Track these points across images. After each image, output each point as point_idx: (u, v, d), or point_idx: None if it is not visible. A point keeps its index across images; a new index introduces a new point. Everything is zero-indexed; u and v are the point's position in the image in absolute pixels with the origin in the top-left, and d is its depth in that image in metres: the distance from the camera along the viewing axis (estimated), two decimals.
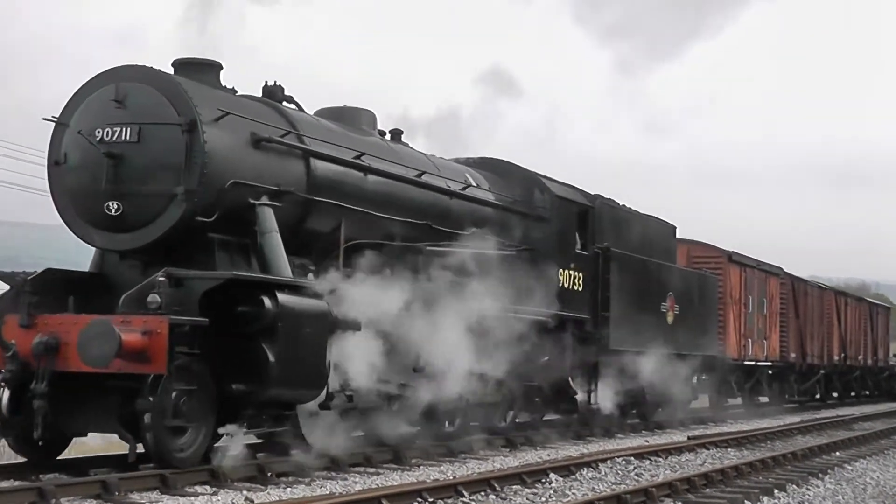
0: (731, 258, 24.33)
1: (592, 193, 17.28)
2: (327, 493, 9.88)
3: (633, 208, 18.70)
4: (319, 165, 11.89)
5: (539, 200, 15.72)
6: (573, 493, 10.21)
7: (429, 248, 12.89)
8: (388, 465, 11.96)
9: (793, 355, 29.02)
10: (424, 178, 13.43)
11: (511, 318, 13.57)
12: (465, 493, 9.72)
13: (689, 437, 16.97)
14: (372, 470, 11.50)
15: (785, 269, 28.60)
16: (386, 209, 12.68)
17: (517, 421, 15.84)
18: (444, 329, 12.50)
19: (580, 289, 16.22)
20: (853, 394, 36.54)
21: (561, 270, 15.67)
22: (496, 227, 14.54)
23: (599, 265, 16.73)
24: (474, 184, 14.57)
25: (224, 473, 10.09)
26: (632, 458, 12.69)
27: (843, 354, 34.45)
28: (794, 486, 11.53)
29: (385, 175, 12.82)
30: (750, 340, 25.35)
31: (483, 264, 13.42)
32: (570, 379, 15.93)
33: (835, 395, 34.68)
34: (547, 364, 15.11)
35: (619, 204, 18.10)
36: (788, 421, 22.23)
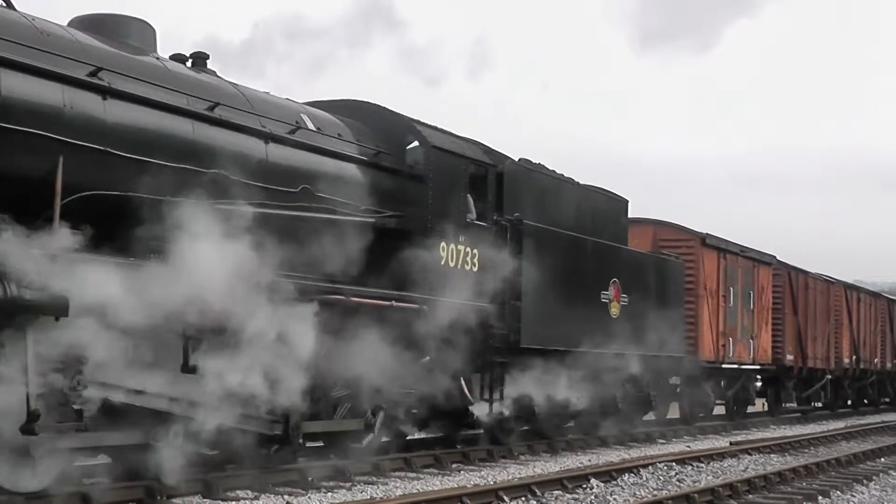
0: (705, 242, 21.03)
1: (517, 158, 14.71)
2: (368, 497, 10.11)
3: (567, 176, 16.00)
4: (10, 79, 8.53)
5: (414, 154, 12.85)
6: (614, 499, 10.36)
7: (219, 206, 9.59)
8: (428, 470, 12.30)
9: (789, 357, 25.74)
10: (220, 112, 10.28)
11: (356, 305, 10.98)
12: (506, 498, 10.00)
13: (731, 443, 17.38)
14: (413, 475, 11.89)
15: (778, 258, 25.42)
16: (147, 150, 9.44)
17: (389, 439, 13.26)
18: (240, 318, 9.51)
19: (475, 269, 13.22)
20: (869, 402, 33.33)
21: (444, 245, 12.69)
22: (346, 184, 11.67)
23: (507, 241, 13.76)
24: (312, 128, 11.61)
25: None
26: (673, 464, 12.86)
27: (854, 357, 30.67)
28: (839, 492, 11.63)
29: (141, 102, 9.51)
30: (731, 340, 21.89)
31: (312, 232, 10.71)
32: (463, 386, 13.03)
33: (849, 402, 31.67)
34: (428, 366, 12.29)
35: (546, 168, 15.35)
36: (789, 434, 21.24)
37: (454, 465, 12.79)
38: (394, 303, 11.50)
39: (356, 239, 11.05)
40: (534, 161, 14.96)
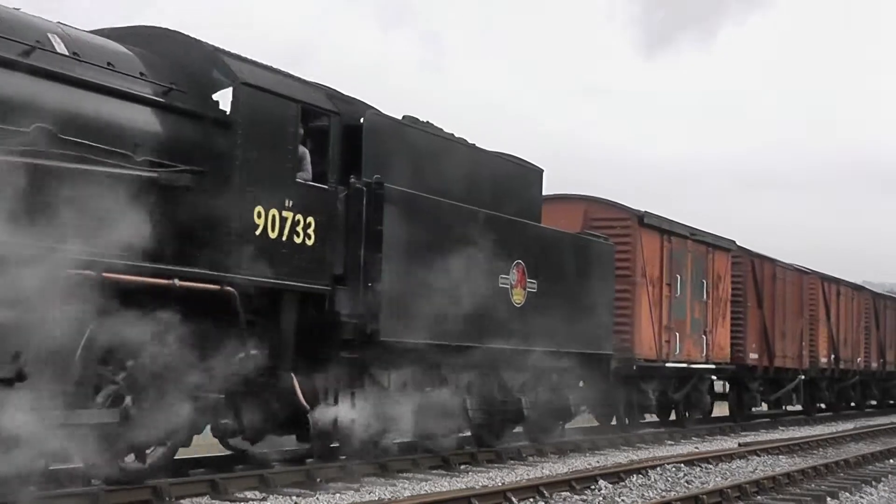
0: (644, 221, 17.90)
1: (398, 114, 12.43)
2: (376, 498, 10.17)
3: (459, 136, 13.49)
4: None
5: (221, 93, 10.19)
6: (622, 500, 10.49)
7: None
8: (436, 471, 12.32)
9: (753, 356, 22.44)
10: None
11: (114, 282, 8.36)
12: (514, 500, 10.10)
13: (739, 444, 17.60)
14: (420, 476, 11.91)
15: (738, 243, 22.00)
16: None
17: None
18: None
19: (310, 242, 10.62)
20: (853, 405, 30.44)
21: (260, 210, 10.04)
22: (113, 126, 9.02)
23: (363, 209, 11.17)
24: (63, 52, 8.89)
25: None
26: (682, 465, 12.97)
27: (832, 356, 27.43)
28: (847, 493, 11.80)
29: None
30: (678, 335, 18.58)
31: (53, 186, 8.19)
32: (296, 388, 10.43)
33: (826, 405, 28.92)
34: (244, 364, 9.76)
35: (433, 127, 12.93)
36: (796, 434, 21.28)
37: (462, 466, 12.79)
38: (177, 282, 8.91)
39: (128, 199, 8.51)
40: (421, 119, 12.70)
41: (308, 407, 10.61)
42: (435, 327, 11.84)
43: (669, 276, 18.43)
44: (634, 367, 17.11)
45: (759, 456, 15.02)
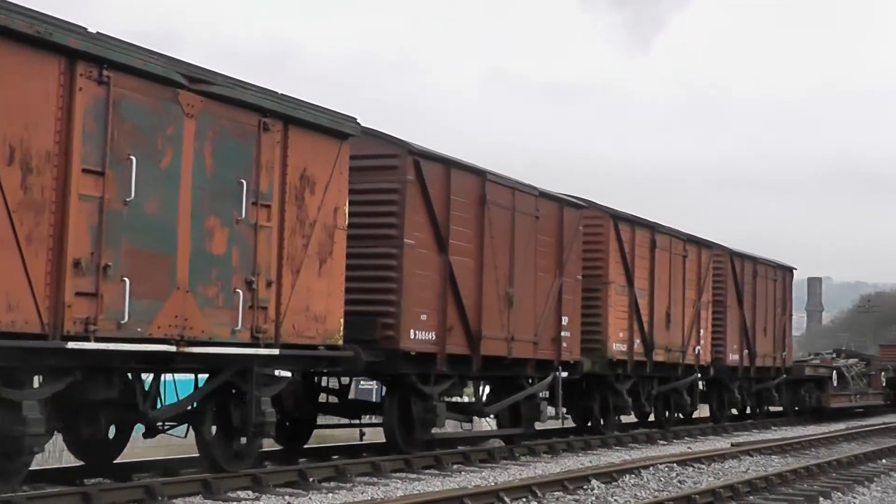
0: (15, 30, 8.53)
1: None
2: (368, 498, 10.66)
3: None
4: None
5: None
6: (615, 500, 10.85)
7: None
8: (429, 471, 13.06)
9: (424, 337, 13.73)
10: None
11: None
12: (507, 499, 10.57)
13: (732, 444, 17.88)
14: (413, 475, 12.65)
15: (406, 140, 13.52)
16: None
17: None
18: None
19: None
20: (679, 415, 21.88)
21: None
22: None
23: None
24: None
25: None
26: (674, 465, 13.43)
27: (639, 342, 19.21)
28: (840, 493, 12.15)
29: None
30: (130, 282, 9.44)
31: None
32: None
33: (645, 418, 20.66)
34: None
35: None
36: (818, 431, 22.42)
37: (455, 466, 13.55)
38: None
39: None
40: None
41: None
42: None
43: (99, 157, 9.19)
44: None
45: (751, 456, 15.72)
